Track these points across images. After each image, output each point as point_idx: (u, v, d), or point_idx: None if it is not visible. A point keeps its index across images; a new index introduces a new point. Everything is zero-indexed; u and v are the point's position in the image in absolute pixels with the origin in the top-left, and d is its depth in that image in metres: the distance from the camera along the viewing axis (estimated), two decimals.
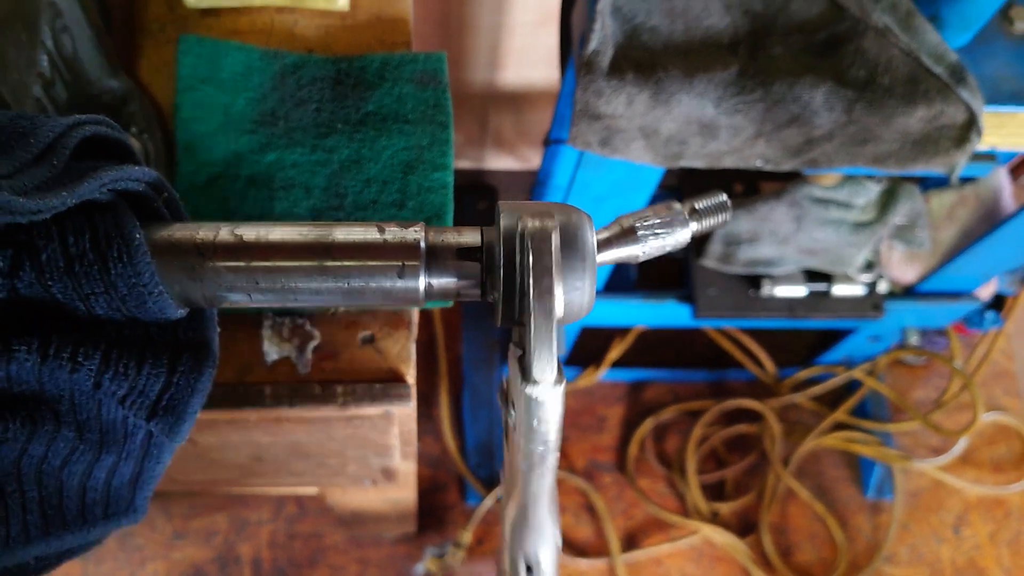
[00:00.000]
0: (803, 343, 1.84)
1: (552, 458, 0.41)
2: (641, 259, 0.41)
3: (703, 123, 0.90)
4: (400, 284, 0.38)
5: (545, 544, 0.45)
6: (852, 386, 1.79)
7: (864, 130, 0.91)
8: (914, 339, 1.51)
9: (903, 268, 1.37)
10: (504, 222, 0.37)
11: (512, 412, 0.40)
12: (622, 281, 1.63)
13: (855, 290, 1.35)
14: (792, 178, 1.26)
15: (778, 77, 0.88)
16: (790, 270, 1.34)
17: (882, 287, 1.36)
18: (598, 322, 1.49)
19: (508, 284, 0.36)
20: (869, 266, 1.35)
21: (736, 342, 1.71)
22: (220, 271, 0.37)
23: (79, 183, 0.34)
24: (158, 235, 0.37)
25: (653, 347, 1.75)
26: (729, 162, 0.96)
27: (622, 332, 1.68)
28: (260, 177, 0.69)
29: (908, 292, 1.42)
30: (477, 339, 1.80)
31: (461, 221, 1.46)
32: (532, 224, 0.35)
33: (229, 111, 0.71)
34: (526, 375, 0.37)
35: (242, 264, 0.37)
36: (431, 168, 0.71)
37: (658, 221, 0.40)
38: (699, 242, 1.35)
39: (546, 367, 0.36)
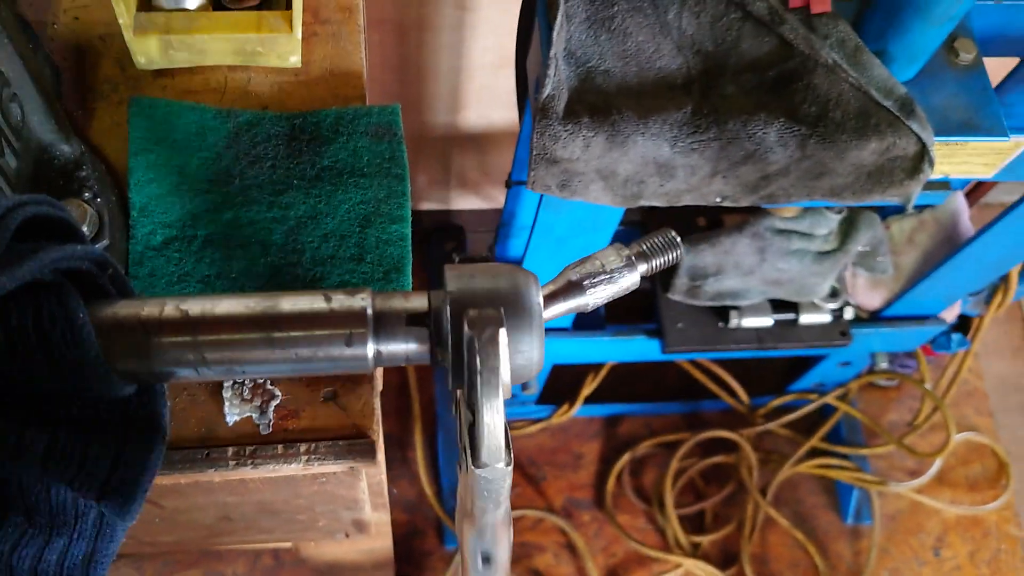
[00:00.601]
0: (775, 371, 1.85)
1: (503, 508, 0.41)
2: (591, 308, 0.41)
3: (660, 163, 0.91)
4: (348, 352, 0.37)
5: (502, 543, 0.45)
6: (826, 412, 1.79)
7: (819, 164, 0.92)
8: (883, 363, 1.53)
9: (868, 294, 1.38)
10: (451, 288, 0.37)
11: (464, 463, 0.40)
12: (592, 318, 1.63)
13: (822, 318, 1.36)
14: (754, 211, 1.27)
15: (732, 115, 0.90)
16: (757, 301, 1.35)
17: (848, 314, 1.37)
18: (570, 360, 1.49)
19: (456, 353, 0.36)
20: (834, 294, 1.36)
21: (708, 373, 1.71)
22: (166, 348, 0.37)
23: (19, 266, 0.34)
24: (103, 313, 0.37)
25: (626, 381, 1.75)
26: (688, 200, 0.97)
27: (595, 368, 1.68)
28: (217, 236, 0.69)
29: (874, 317, 1.44)
30: None
31: (429, 262, 1.46)
32: (478, 292, 0.36)
33: (183, 171, 0.70)
34: (475, 459, 0.37)
35: (188, 339, 0.37)
36: (388, 221, 0.71)
37: (604, 270, 0.40)
38: (665, 277, 1.36)
39: (494, 454, 0.36)
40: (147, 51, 0.71)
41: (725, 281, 1.32)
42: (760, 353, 1.40)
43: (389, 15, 1.31)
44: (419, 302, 0.38)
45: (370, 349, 0.37)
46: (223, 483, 0.69)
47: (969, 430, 1.87)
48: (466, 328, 0.35)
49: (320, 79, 0.77)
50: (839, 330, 1.38)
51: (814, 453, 1.77)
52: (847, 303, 1.37)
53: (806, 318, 1.36)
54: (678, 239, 0.42)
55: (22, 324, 0.35)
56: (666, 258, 0.42)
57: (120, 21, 0.68)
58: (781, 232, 1.25)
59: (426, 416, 1.77)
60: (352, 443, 0.65)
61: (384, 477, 0.86)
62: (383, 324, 0.37)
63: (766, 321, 1.36)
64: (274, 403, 0.66)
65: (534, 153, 0.90)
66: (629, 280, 0.41)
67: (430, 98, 1.52)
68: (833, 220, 1.23)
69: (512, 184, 1.28)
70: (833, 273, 1.30)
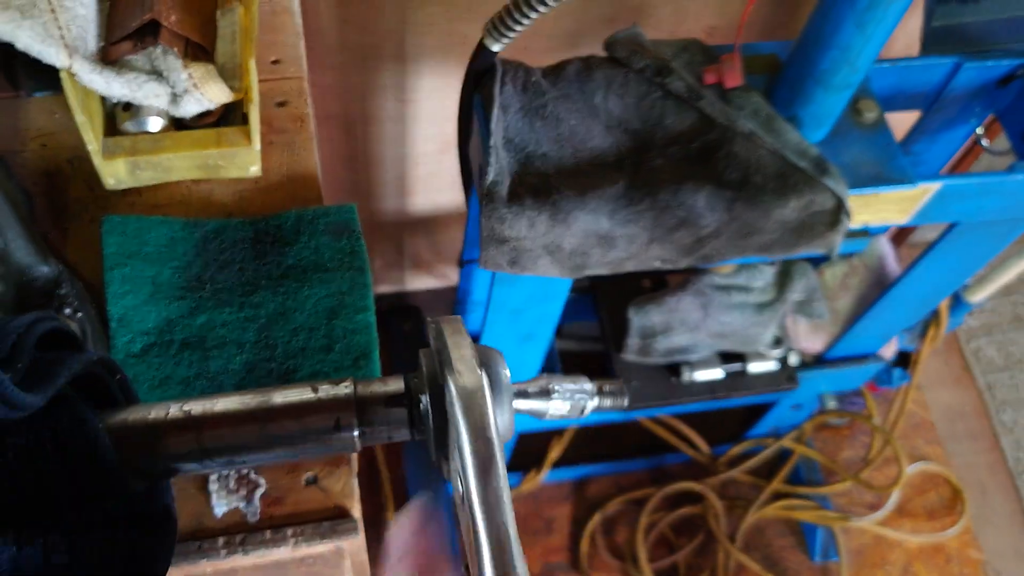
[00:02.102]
0: (732, 420, 1.91)
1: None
2: (546, 417, 0.47)
3: (600, 235, 0.98)
4: (336, 436, 0.42)
5: None
6: (784, 455, 1.85)
7: (746, 225, 0.99)
8: (832, 403, 1.60)
9: (810, 339, 1.46)
10: (427, 374, 0.42)
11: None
12: None
13: (769, 366, 1.43)
14: (694, 270, 1.35)
15: (662, 186, 0.97)
16: (706, 355, 1.42)
17: (793, 359, 1.44)
18: (534, 426, 1.53)
19: (439, 425, 0.42)
20: (778, 342, 1.43)
21: (669, 427, 1.77)
22: (173, 446, 0.41)
23: (53, 376, 0.38)
24: (114, 420, 0.41)
25: (591, 442, 1.80)
26: (630, 267, 1.03)
27: (559, 433, 1.73)
28: (193, 339, 0.73)
29: (819, 360, 1.51)
30: (419, 456, 1.82)
31: (388, 344, 1.50)
32: (462, 380, 0.40)
33: (157, 281, 0.75)
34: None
35: (192, 437, 0.41)
36: (354, 311, 0.76)
37: (569, 392, 0.46)
38: (618, 338, 1.42)
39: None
40: (116, 173, 0.76)
41: (674, 338, 1.39)
42: (714, 404, 1.46)
43: (336, 111, 1.38)
44: (396, 385, 0.43)
45: (356, 431, 0.42)
46: (214, 574, 0.72)
47: (921, 460, 1.94)
48: (452, 392, 0.40)
49: (279, 185, 0.83)
50: (786, 375, 1.45)
51: (777, 496, 1.82)
52: (791, 349, 1.44)
53: (754, 367, 1.43)
54: (625, 396, 0.49)
55: (39, 438, 0.39)
56: (615, 402, 0.48)
57: (89, 147, 0.73)
58: (721, 288, 1.32)
59: (397, 495, 1.80)
60: (336, 523, 0.69)
61: (366, 557, 0.89)
62: (366, 408, 0.42)
63: (716, 373, 1.42)
64: (259, 492, 0.70)
65: (484, 235, 0.96)
66: (583, 405, 0.47)
67: (379, 186, 1.58)
68: (768, 273, 1.31)
69: (464, 263, 1.34)
70: (774, 322, 1.37)
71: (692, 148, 1.01)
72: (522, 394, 0.45)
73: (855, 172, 1.03)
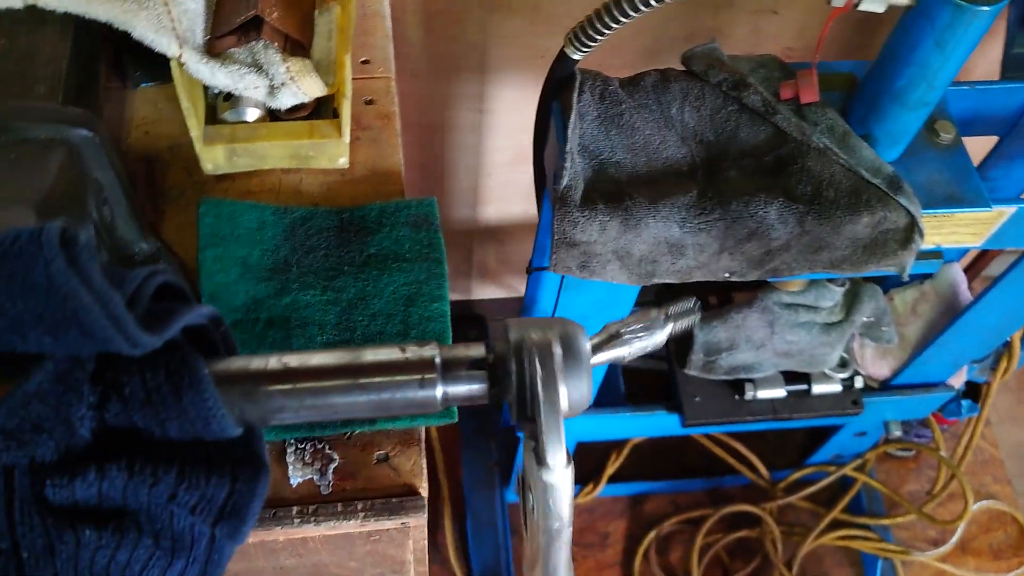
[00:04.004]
0: (793, 445, 1.90)
1: (567, 533, 0.48)
2: (627, 360, 0.48)
3: (671, 243, 1.00)
4: (420, 394, 0.45)
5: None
6: (845, 483, 1.83)
7: (817, 239, 1.00)
8: (897, 431, 1.58)
9: (877, 364, 1.45)
10: (513, 336, 0.44)
11: (530, 496, 0.47)
12: (613, 396, 1.70)
13: (833, 388, 1.43)
14: (761, 287, 1.35)
15: (734, 197, 0.98)
16: (770, 373, 1.42)
17: (859, 383, 1.43)
18: (592, 437, 1.55)
19: (520, 388, 0.44)
20: (844, 364, 1.43)
21: (728, 448, 1.76)
22: (272, 394, 0.44)
23: (169, 322, 0.42)
24: (218, 367, 0.45)
25: (649, 459, 1.80)
26: (698, 276, 1.05)
27: (618, 447, 1.73)
28: (278, 319, 0.77)
29: (884, 386, 1.49)
30: (476, 463, 1.85)
31: None
32: (536, 336, 0.43)
33: (247, 262, 0.79)
34: (540, 461, 0.44)
35: (289, 387, 0.44)
36: (430, 300, 0.79)
37: (639, 327, 0.48)
38: (682, 353, 1.43)
39: (557, 453, 0.44)
40: (214, 158, 0.80)
41: (738, 355, 1.39)
42: (776, 424, 1.46)
43: (415, 118, 1.42)
44: (478, 350, 0.46)
45: (439, 391, 0.45)
46: (286, 542, 0.76)
47: (988, 498, 1.90)
48: (527, 345, 0.43)
49: (364, 178, 0.86)
50: (851, 399, 1.44)
51: (836, 524, 1.80)
52: (857, 372, 1.43)
53: (818, 388, 1.42)
54: (698, 304, 0.50)
55: (155, 377, 0.43)
56: (688, 321, 0.50)
57: (192, 133, 0.78)
58: (788, 306, 1.32)
59: (454, 500, 1.82)
60: (404, 500, 0.72)
61: (426, 542, 0.92)
62: (449, 369, 0.45)
63: (779, 392, 1.42)
64: (332, 466, 0.73)
65: (555, 238, 0.98)
66: (660, 337, 0.49)
67: (452, 194, 1.62)
68: (837, 292, 1.31)
69: (533, 270, 1.37)
70: (840, 343, 1.36)
71: (765, 161, 1.02)
72: (597, 349, 0.48)
73: (929, 192, 1.03)
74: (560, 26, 1.31)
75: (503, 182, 1.60)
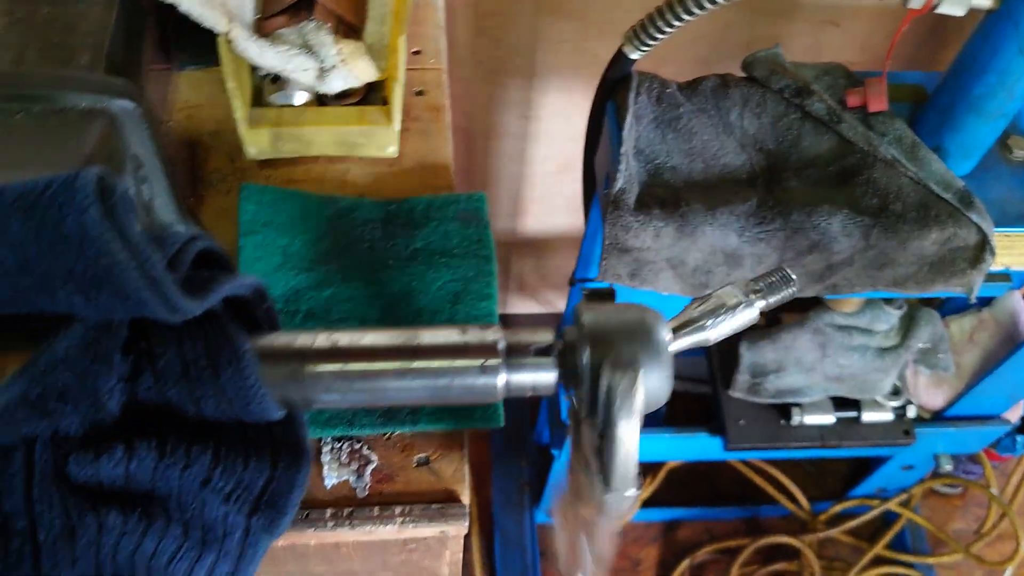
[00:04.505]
0: (835, 477, 1.84)
1: (611, 531, 0.43)
2: (712, 342, 0.44)
3: (727, 252, 0.95)
4: (481, 381, 0.41)
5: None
6: (888, 518, 1.76)
7: (882, 254, 0.95)
8: (947, 465, 1.51)
9: (930, 393, 1.39)
10: (587, 321, 0.40)
11: (587, 477, 0.42)
12: (652, 416, 1.64)
13: (884, 416, 1.36)
14: (814, 307, 1.30)
15: (796, 207, 0.94)
16: (818, 398, 1.36)
17: (911, 412, 1.37)
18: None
19: (593, 381, 0.40)
20: (896, 392, 1.37)
21: (768, 477, 1.70)
22: (319, 375, 0.40)
23: (211, 289, 0.38)
24: (261, 343, 0.41)
25: (684, 485, 1.74)
26: None
27: (653, 470, 1.68)
28: (318, 311, 0.73)
29: (937, 417, 1.43)
30: (506, 482, 1.80)
31: None
32: (613, 323, 0.39)
33: (288, 251, 0.75)
34: (606, 483, 0.40)
35: (338, 368, 0.40)
36: (477, 298, 0.75)
37: (724, 306, 0.43)
38: (726, 374, 1.38)
39: (625, 481, 0.39)
40: (258, 142, 0.77)
41: (786, 378, 1.33)
42: (822, 452, 1.40)
43: (460, 123, 1.39)
44: (546, 336, 0.42)
45: (501, 378, 0.41)
46: (318, 547, 0.71)
47: None
48: (604, 361, 0.38)
49: (411, 170, 0.83)
50: (902, 429, 1.38)
51: (879, 561, 1.73)
52: (909, 401, 1.37)
53: (868, 416, 1.36)
54: (793, 276, 0.45)
55: (193, 350, 0.39)
56: (781, 295, 0.45)
57: (236, 115, 0.74)
58: (842, 328, 1.27)
59: (483, 520, 1.77)
60: (444, 507, 0.68)
61: (461, 556, 0.87)
62: (514, 355, 0.41)
63: (828, 419, 1.36)
64: (370, 467, 0.69)
65: (606, 243, 0.94)
66: (748, 316, 0.44)
67: (493, 203, 1.59)
68: (893, 316, 1.25)
69: (576, 282, 1.32)
70: (895, 370, 1.31)
71: (829, 172, 0.98)
72: (678, 335, 0.43)
73: (1001, 209, 0.98)
74: (611, 32, 1.28)
75: (546, 193, 1.56)
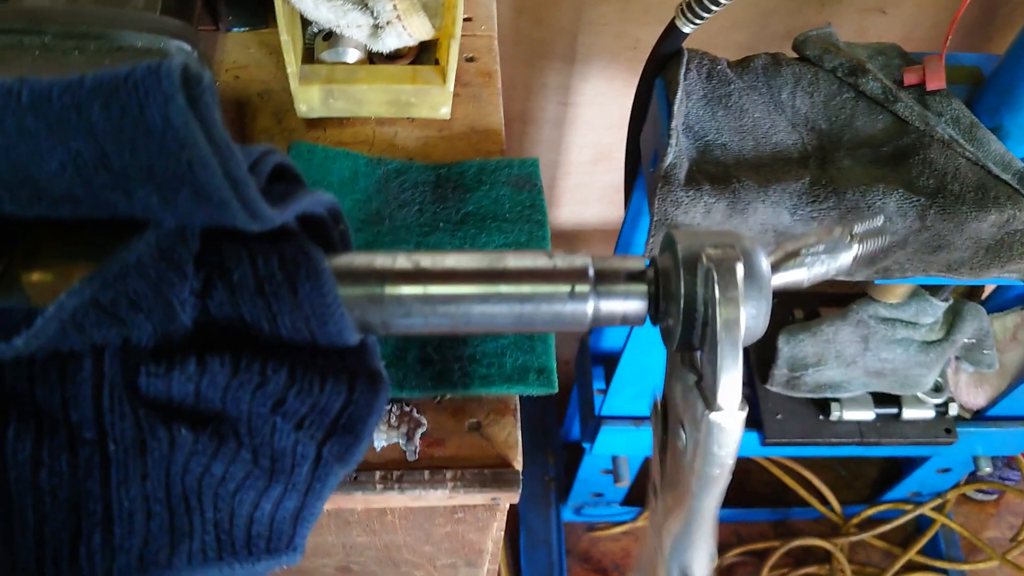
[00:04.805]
0: (863, 480, 1.80)
1: (725, 482, 0.41)
2: (805, 285, 0.42)
3: (779, 231, 0.93)
4: (570, 308, 0.38)
5: (702, 557, 0.44)
6: (921, 523, 1.73)
7: (937, 236, 0.93)
8: (988, 468, 1.47)
9: (972, 391, 1.36)
10: (682, 246, 0.38)
11: (682, 433, 0.40)
12: None
13: (926, 413, 1.33)
14: (856, 299, 1.27)
15: (850, 186, 0.91)
16: (858, 393, 1.33)
17: (953, 410, 1.34)
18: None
19: (688, 310, 0.37)
20: (938, 389, 1.33)
21: (799, 478, 1.67)
22: (400, 297, 0.38)
23: (290, 200, 0.36)
24: (338, 261, 0.39)
25: None
26: None
27: None
28: None
29: (977, 417, 1.40)
30: (532, 478, 1.77)
31: None
32: (712, 249, 0.37)
33: None
34: (710, 402, 0.37)
35: (420, 290, 0.38)
36: None
37: (822, 246, 0.41)
38: (764, 367, 1.35)
39: (732, 394, 0.37)
40: (309, 99, 0.75)
41: (825, 372, 1.31)
42: (861, 451, 1.37)
43: None
44: (637, 263, 0.39)
45: (590, 305, 0.38)
46: (364, 513, 0.69)
47: None
48: (704, 261, 0.36)
49: (462, 135, 0.81)
50: (944, 427, 1.34)
51: (911, 567, 1.69)
52: (951, 399, 1.34)
53: (909, 412, 1.33)
54: (887, 226, 0.43)
55: (268, 264, 0.37)
56: (876, 244, 0.43)
57: (288, 70, 0.73)
58: (885, 320, 1.24)
59: (508, 516, 1.74)
60: (497, 472, 0.65)
61: (503, 534, 0.85)
62: (604, 280, 0.39)
63: (868, 415, 1.33)
64: (420, 431, 0.67)
65: (655, 219, 0.92)
66: (844, 260, 0.42)
67: None
68: (939, 308, 1.22)
69: None
70: (938, 365, 1.28)
71: (883, 152, 0.95)
72: (775, 270, 0.41)
73: None
74: (655, 15, 1.26)
75: (581, 183, 1.54)
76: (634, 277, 0.39)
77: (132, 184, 0.33)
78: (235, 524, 0.37)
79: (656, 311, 0.39)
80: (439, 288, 0.38)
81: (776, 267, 0.41)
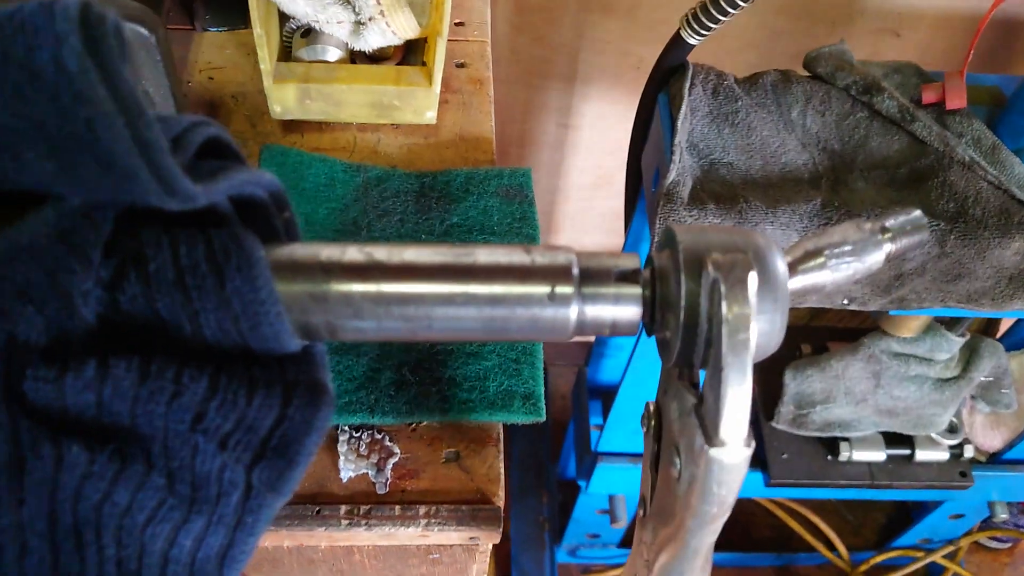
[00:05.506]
0: (872, 525, 1.73)
1: (724, 518, 0.35)
2: (828, 289, 0.36)
3: None
4: (549, 313, 0.33)
5: None
6: (932, 572, 1.65)
7: (957, 264, 0.87)
8: (1004, 515, 1.40)
9: (988, 433, 1.29)
10: (684, 243, 0.32)
11: (677, 462, 0.34)
12: None
13: (940, 455, 1.26)
14: (867, 333, 1.21)
15: (864, 209, 0.86)
16: (868, 433, 1.26)
17: (968, 452, 1.27)
18: None
19: (689, 318, 0.31)
20: (953, 429, 1.27)
21: (805, 522, 1.59)
22: (347, 296, 0.32)
23: (216, 180, 0.30)
24: (278, 252, 0.33)
25: None
26: (814, 300, 0.91)
27: None
28: None
29: (993, 460, 1.33)
30: (525, 519, 1.70)
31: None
32: (719, 249, 0.31)
33: (311, 219, 0.68)
34: (711, 435, 0.31)
35: (372, 287, 0.32)
36: None
37: (848, 245, 0.35)
38: (769, 404, 1.28)
39: (737, 427, 0.31)
40: (284, 100, 0.70)
41: (834, 410, 1.24)
42: (872, 493, 1.29)
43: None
44: (631, 261, 0.33)
45: (573, 310, 0.32)
46: (328, 551, 0.63)
47: None
48: (709, 269, 0.30)
49: (450, 143, 0.75)
50: (959, 470, 1.27)
51: None
52: (967, 440, 1.27)
53: (922, 454, 1.26)
54: (925, 220, 0.37)
55: (192, 253, 0.31)
56: (911, 240, 0.37)
57: (262, 67, 0.68)
58: (898, 355, 1.18)
59: (500, 558, 1.67)
60: (476, 509, 0.59)
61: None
62: (590, 281, 0.33)
63: (879, 455, 1.26)
64: (392, 460, 0.60)
65: (656, 240, 0.86)
66: (874, 260, 0.36)
67: None
68: (955, 344, 1.16)
69: None
70: (954, 404, 1.21)
71: (899, 174, 0.90)
72: (793, 272, 0.35)
73: None
74: (660, 33, 1.21)
75: (581, 208, 1.49)
76: (626, 278, 0.33)
77: (21, 145, 0.28)
78: (145, 564, 0.31)
79: (651, 319, 0.33)
80: (395, 286, 0.32)
81: (794, 269, 0.35)
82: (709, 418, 0.31)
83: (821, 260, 0.35)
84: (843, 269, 0.35)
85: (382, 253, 0.33)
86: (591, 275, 0.33)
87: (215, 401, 0.31)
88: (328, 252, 0.33)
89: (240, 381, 0.31)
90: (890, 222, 0.35)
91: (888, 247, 0.36)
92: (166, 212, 0.31)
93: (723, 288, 0.30)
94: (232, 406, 0.31)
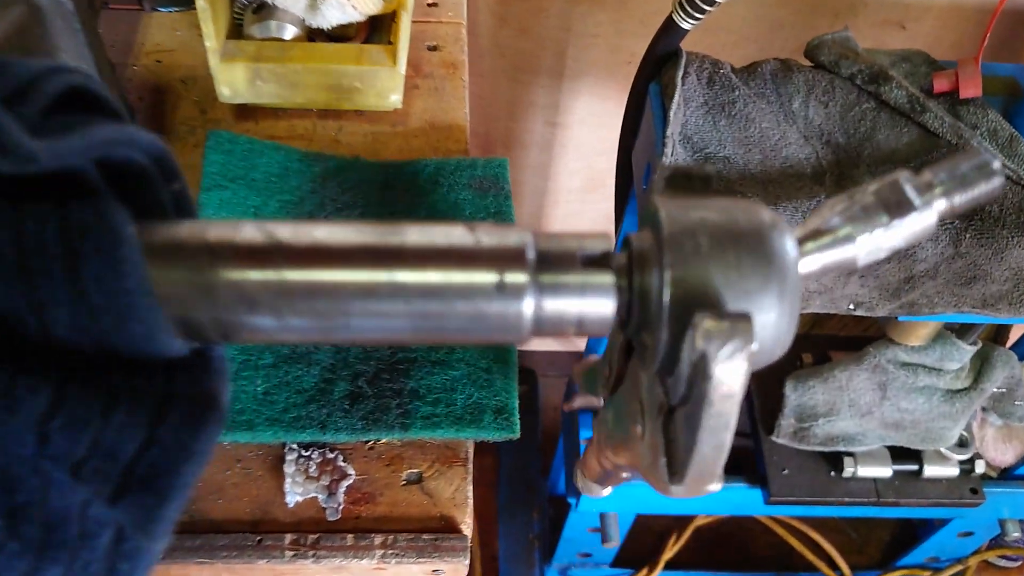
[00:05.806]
0: (876, 543, 1.66)
1: None
2: (861, 263, 0.29)
3: None
4: (496, 307, 0.26)
5: None
6: None
7: (972, 266, 0.80)
8: (1016, 533, 1.33)
9: (1000, 447, 1.22)
10: (665, 219, 0.25)
11: (640, 423, 0.27)
12: None
13: (949, 471, 1.19)
14: (873, 342, 1.14)
15: None
16: (873, 447, 1.19)
17: (979, 468, 1.20)
18: (654, 510, 1.33)
19: (673, 320, 0.24)
20: (963, 443, 1.20)
21: (806, 540, 1.52)
22: (241, 284, 0.25)
23: (70, 135, 0.23)
24: (156, 232, 0.26)
25: (713, 545, 1.57)
26: (817, 304, 0.85)
27: (678, 527, 1.51)
28: None
29: (1005, 475, 1.26)
30: (515, 537, 1.63)
31: None
32: (710, 223, 0.24)
33: (261, 213, 0.61)
34: (676, 474, 0.25)
35: (273, 275, 0.25)
36: None
37: (882, 208, 0.28)
38: (768, 418, 1.21)
39: (704, 478, 0.24)
40: (232, 81, 0.63)
41: (838, 423, 1.17)
42: (877, 511, 1.23)
43: (478, 128, 1.26)
44: (601, 244, 0.27)
45: (528, 303, 0.26)
46: None
47: None
48: (698, 339, 0.23)
49: (419, 131, 0.69)
50: (969, 487, 1.20)
51: None
52: (978, 455, 1.20)
53: (931, 470, 1.19)
54: (995, 165, 0.30)
55: (41, 230, 0.24)
56: (975, 191, 0.30)
57: (207, 44, 0.61)
58: (906, 365, 1.11)
59: (487, 575, 1.60)
60: (439, 538, 0.52)
61: None
62: (550, 267, 0.26)
63: (885, 471, 1.19)
64: (346, 483, 0.53)
65: (639, 215, 0.80)
66: (922, 223, 0.29)
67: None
68: (966, 353, 1.09)
69: None
70: (964, 416, 1.14)
71: (909, 168, 0.83)
72: (812, 249, 0.28)
73: None
74: (653, 26, 1.14)
75: (571, 212, 1.42)
76: (596, 263, 0.26)
77: None
78: None
79: (628, 314, 0.26)
80: (302, 273, 0.25)
81: (809, 244, 0.28)
82: (678, 459, 0.24)
83: (846, 234, 0.28)
84: (879, 237, 0.28)
85: (286, 232, 0.26)
86: (551, 260, 0.26)
87: (58, 419, 0.24)
88: (218, 231, 0.26)
89: (94, 394, 0.25)
90: (941, 175, 0.28)
91: (941, 204, 0.29)
92: (9, 182, 0.24)
93: (713, 370, 0.23)
94: (82, 425, 0.24)
